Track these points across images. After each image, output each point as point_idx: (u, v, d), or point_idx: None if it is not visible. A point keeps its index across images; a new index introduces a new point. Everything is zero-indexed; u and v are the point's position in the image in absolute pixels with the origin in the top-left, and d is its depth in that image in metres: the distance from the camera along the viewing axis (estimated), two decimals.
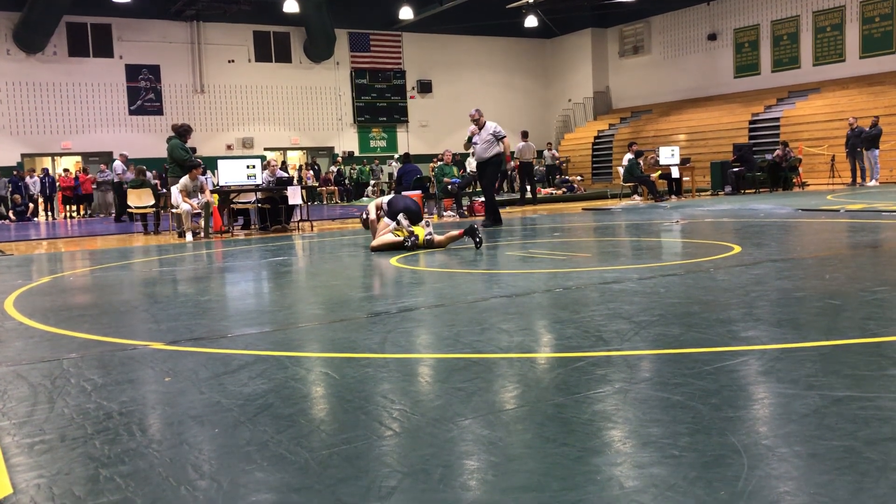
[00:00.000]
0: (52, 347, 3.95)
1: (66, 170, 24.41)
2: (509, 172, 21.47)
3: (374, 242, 8.36)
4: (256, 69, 28.11)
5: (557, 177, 24.74)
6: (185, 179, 12.15)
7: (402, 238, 8.10)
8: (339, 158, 29.04)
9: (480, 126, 11.51)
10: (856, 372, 2.83)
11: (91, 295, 6.10)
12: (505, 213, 15.81)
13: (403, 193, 11.50)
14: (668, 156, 18.59)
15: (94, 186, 23.77)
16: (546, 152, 26.76)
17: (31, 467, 2.25)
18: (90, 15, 25.24)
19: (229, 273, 7.49)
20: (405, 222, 8.19)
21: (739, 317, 3.90)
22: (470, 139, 12.00)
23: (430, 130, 30.52)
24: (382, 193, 26.64)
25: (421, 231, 8.23)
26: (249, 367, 3.33)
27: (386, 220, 8.46)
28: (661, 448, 2.16)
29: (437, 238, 8.21)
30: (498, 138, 11.37)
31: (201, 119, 27.11)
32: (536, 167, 22.51)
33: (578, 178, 25.40)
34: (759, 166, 18.96)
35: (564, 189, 22.11)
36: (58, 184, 23.60)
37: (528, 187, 19.21)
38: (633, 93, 31.37)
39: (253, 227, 13.90)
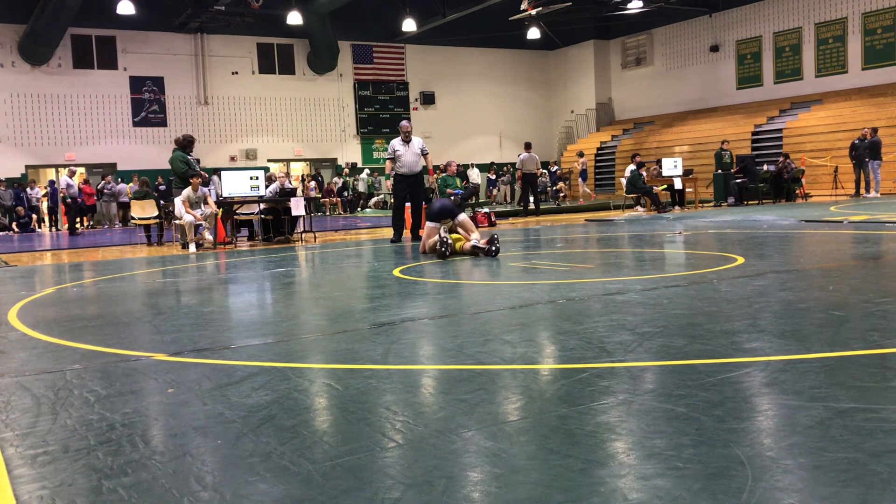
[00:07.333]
0: (56, 358, 3.96)
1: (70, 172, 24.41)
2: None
3: (423, 245, 8.84)
4: (260, 81, 28.22)
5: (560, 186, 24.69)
6: (187, 190, 12.19)
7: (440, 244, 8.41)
8: (346, 170, 29.05)
9: (408, 140, 11.63)
10: (860, 383, 2.82)
11: (94, 306, 6.10)
12: (507, 223, 15.86)
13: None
14: (671, 167, 18.60)
15: (96, 198, 23.81)
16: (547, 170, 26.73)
17: (34, 479, 2.25)
18: (95, 27, 25.37)
19: (232, 284, 7.50)
20: (445, 235, 8.40)
21: (743, 328, 3.89)
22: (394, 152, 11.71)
23: (434, 142, 30.51)
24: (385, 205, 26.65)
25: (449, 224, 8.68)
26: (252, 378, 3.33)
27: (429, 224, 8.74)
28: (665, 460, 2.15)
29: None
30: (423, 154, 11.76)
31: (205, 130, 27.20)
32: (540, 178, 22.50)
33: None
34: (763, 177, 18.97)
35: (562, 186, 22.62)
36: (60, 195, 23.62)
37: (531, 198, 19.21)
38: (635, 104, 31.43)
39: (256, 238, 13.92)
